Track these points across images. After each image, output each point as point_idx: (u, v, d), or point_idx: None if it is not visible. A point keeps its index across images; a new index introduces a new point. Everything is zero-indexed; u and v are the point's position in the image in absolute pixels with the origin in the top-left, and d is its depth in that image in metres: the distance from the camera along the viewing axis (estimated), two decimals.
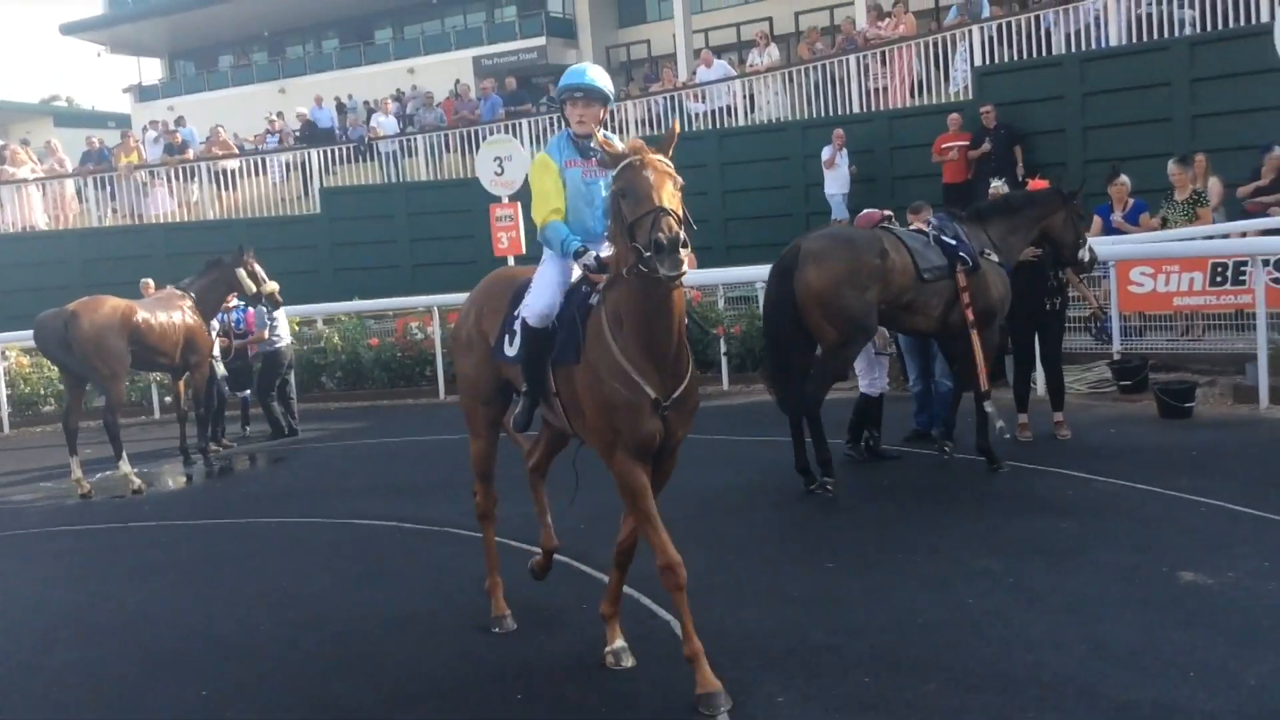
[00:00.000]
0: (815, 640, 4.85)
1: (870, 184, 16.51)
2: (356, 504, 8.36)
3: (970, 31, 16.76)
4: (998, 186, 10.86)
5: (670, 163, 4.17)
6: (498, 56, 32.43)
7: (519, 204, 14.40)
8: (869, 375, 8.46)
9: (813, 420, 7.53)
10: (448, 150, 20.97)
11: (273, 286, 11.23)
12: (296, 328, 14.21)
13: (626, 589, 5.48)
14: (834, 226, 9.40)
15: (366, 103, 25.53)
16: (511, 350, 4.86)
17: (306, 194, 21.20)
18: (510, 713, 4.41)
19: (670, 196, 4.03)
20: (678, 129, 4.40)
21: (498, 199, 14.86)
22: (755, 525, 6.97)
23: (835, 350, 7.44)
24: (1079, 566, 5.57)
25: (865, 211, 8.59)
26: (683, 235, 3.91)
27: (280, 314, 12.00)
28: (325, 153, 21.49)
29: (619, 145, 4.38)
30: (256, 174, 21.49)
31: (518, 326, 4.79)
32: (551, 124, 20.59)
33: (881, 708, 4.16)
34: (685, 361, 4.38)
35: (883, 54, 17.60)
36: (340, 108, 25.93)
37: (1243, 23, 13.97)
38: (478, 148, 18.87)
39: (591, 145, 4.67)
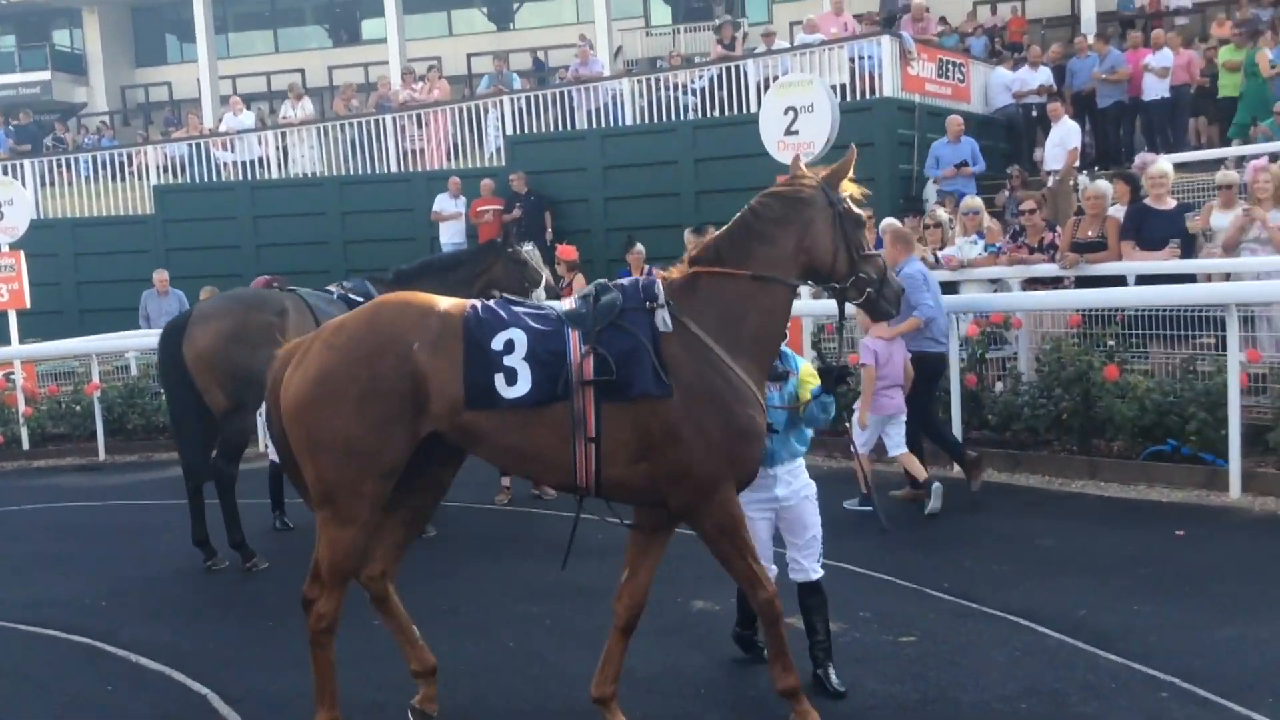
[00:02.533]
0: (360, 698, 4.86)
1: (411, 243, 16.72)
2: None
3: (501, 101, 17.59)
4: (528, 250, 11.48)
5: None
6: None
7: (21, 253, 13.05)
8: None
9: (224, 494, 7.22)
10: None
11: None
12: None
13: (158, 667, 5.23)
14: (240, 288, 9.06)
15: None
16: (518, 389, 4.03)
17: None
18: None
19: None
20: (854, 155, 4.44)
21: None
22: (294, 589, 6.80)
23: (230, 415, 7.19)
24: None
25: (261, 277, 8.79)
26: None
27: None
28: None
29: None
30: None
31: (517, 363, 4.04)
32: (57, 165, 18.94)
33: None
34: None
35: (419, 116, 17.97)
36: None
37: (736, 111, 15.82)
38: None
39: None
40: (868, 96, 14.98)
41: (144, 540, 8.18)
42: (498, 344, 4.06)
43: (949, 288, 10.25)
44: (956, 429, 8.98)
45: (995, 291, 10.09)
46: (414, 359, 4.04)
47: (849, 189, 4.38)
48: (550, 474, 4.34)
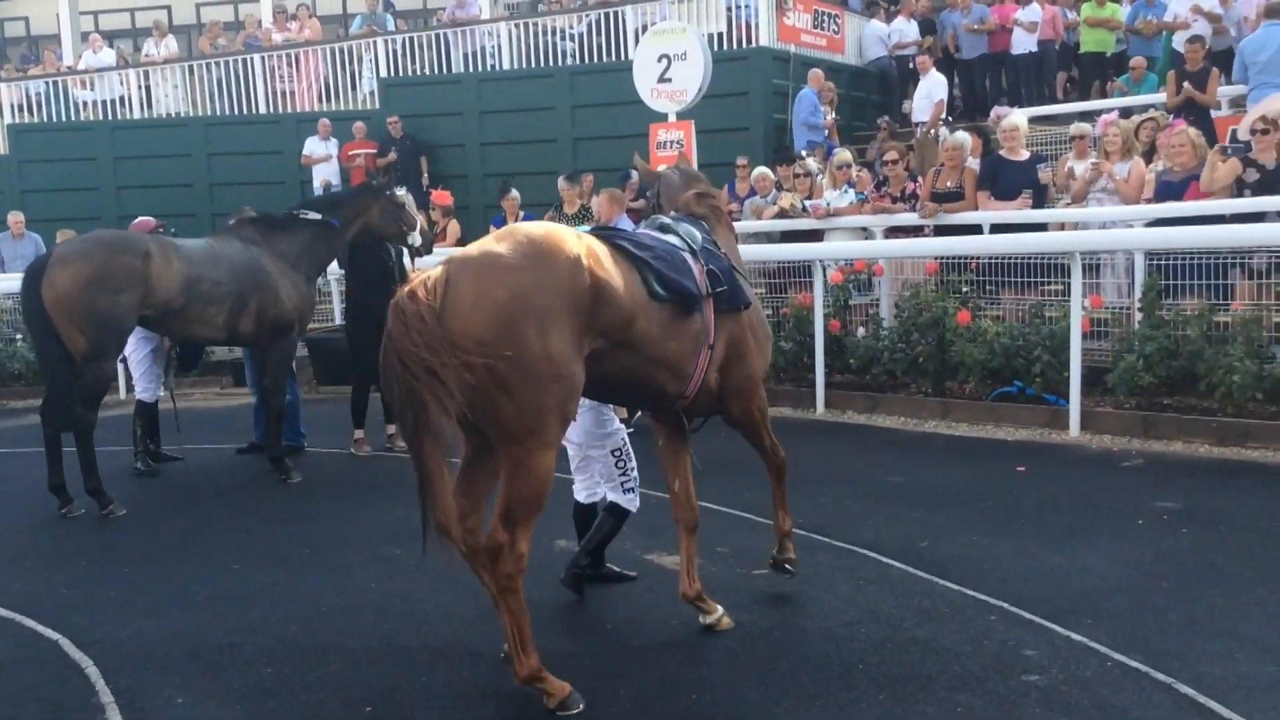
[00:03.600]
0: (217, 640, 4.85)
1: (280, 186, 16.31)
2: None
3: (376, 43, 17.21)
4: (403, 194, 11.35)
5: None
6: None
7: None
8: (145, 381, 8.44)
9: (81, 440, 7.06)
10: None
11: None
12: None
13: (8, 613, 5.16)
14: (102, 230, 8.81)
15: None
16: (683, 286, 4.37)
17: None
18: None
19: None
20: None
21: None
22: (154, 534, 6.73)
23: (89, 360, 7.02)
24: None
25: (140, 219, 8.63)
26: None
27: None
28: None
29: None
30: None
31: (659, 259, 4.33)
32: None
33: (283, 694, 4.30)
34: None
35: (292, 56, 17.49)
36: None
37: (613, 58, 15.78)
38: None
39: None
40: (744, 46, 15.09)
41: None
42: (644, 253, 4.33)
43: (817, 236, 10.52)
44: (819, 372, 9.25)
45: (863, 240, 10.37)
46: (592, 271, 4.00)
47: None
48: (674, 384, 4.50)
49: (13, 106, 18.06)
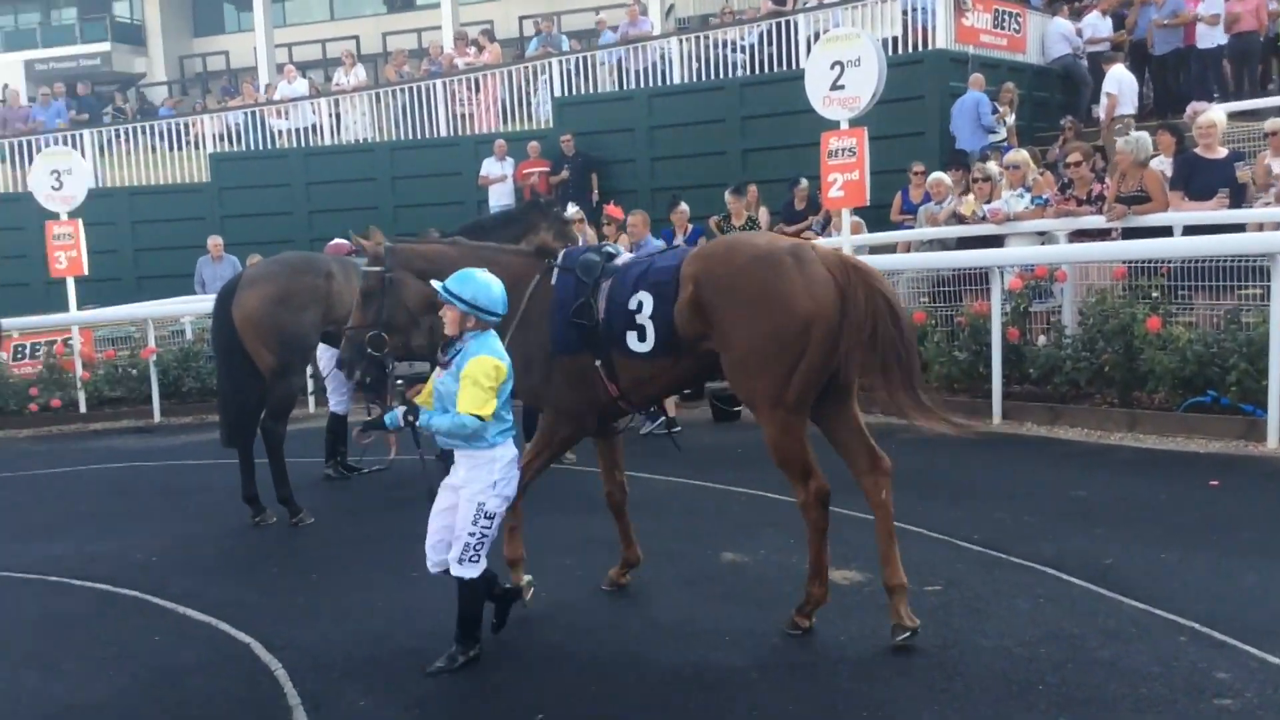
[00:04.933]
0: (396, 646, 5.02)
1: (459, 207, 16.85)
2: None
3: (551, 64, 17.61)
4: (575, 213, 11.57)
5: None
6: (55, 61, 29.86)
7: (79, 221, 13.40)
8: (338, 395, 8.80)
9: (273, 452, 7.41)
10: None
11: None
12: None
13: (204, 618, 5.45)
14: (290, 252, 9.42)
15: None
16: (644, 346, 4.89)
17: None
18: None
19: None
20: None
21: (55, 215, 13.73)
22: (339, 542, 7.02)
23: (277, 375, 7.40)
24: None
25: (335, 241, 8.93)
26: None
27: None
28: None
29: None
30: None
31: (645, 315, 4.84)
32: (115, 136, 19.34)
33: (457, 700, 4.42)
34: None
35: (472, 80, 18.06)
36: None
37: (784, 68, 15.70)
38: (30, 160, 17.41)
39: (444, 349, 4.67)
40: (920, 49, 14.78)
41: (195, 498, 8.45)
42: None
43: (995, 241, 10.19)
44: (997, 382, 8.94)
45: (1042, 244, 9.99)
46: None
47: None
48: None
49: (215, 136, 19.23)
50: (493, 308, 4.55)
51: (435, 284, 4.58)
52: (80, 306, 13.57)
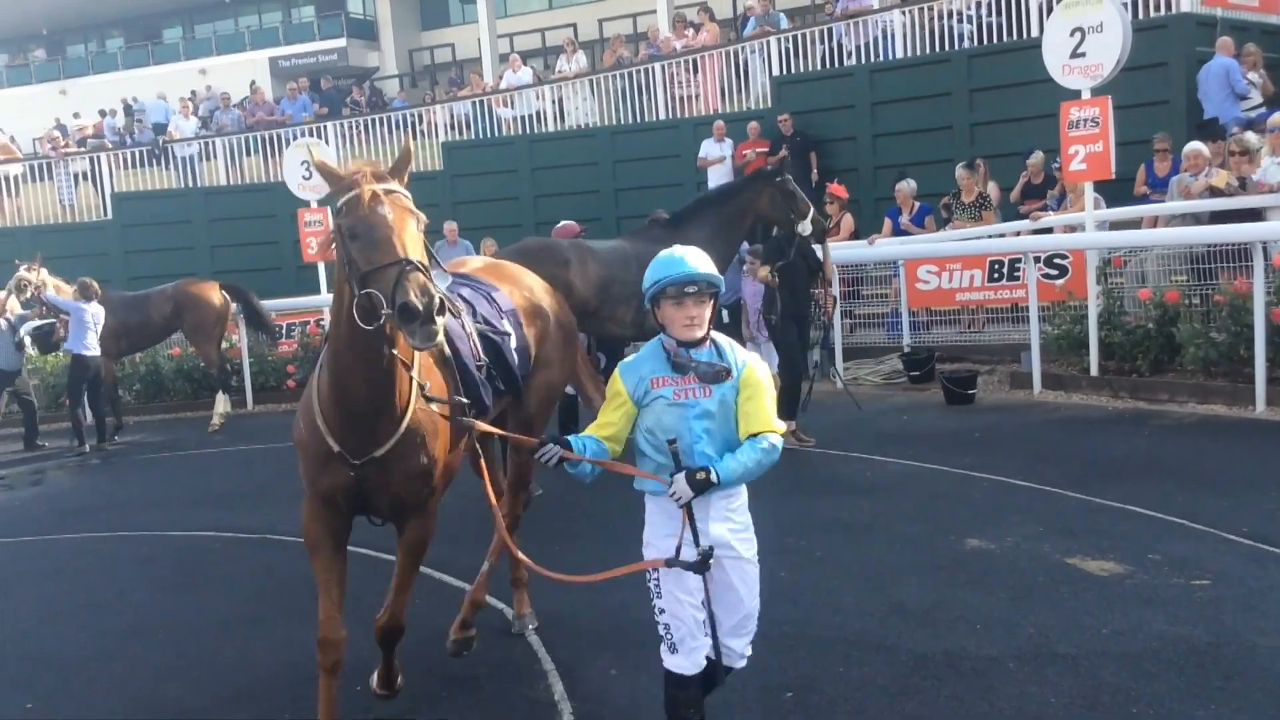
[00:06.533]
0: (640, 616, 5.09)
1: (679, 189, 16.96)
2: (168, 515, 8.16)
3: (768, 42, 17.48)
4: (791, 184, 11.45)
5: (408, 195, 3.60)
6: (295, 58, 31.70)
7: (328, 209, 14.21)
8: None
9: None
10: (248, 154, 20.44)
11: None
12: None
13: (459, 583, 5.67)
14: (528, 239, 9.65)
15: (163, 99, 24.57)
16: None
17: (98, 200, 20.37)
18: (352, 705, 4.50)
19: (414, 242, 3.46)
20: (411, 148, 3.75)
21: (306, 204, 14.62)
22: (571, 515, 7.21)
23: None
24: (877, 539, 6.04)
25: (564, 223, 9.01)
26: (438, 299, 3.33)
27: (91, 321, 11.55)
28: (116, 156, 20.63)
29: (337, 168, 3.68)
30: (41, 179, 20.47)
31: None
32: (354, 127, 20.37)
33: None
34: (391, 423, 3.83)
35: (691, 61, 18.13)
36: (128, 110, 24.92)
37: (1015, 37, 15.08)
38: (279, 151, 18.56)
39: (688, 357, 3.46)
40: (1163, 12, 13.91)
41: None
42: None
43: (1255, 215, 9.52)
44: (1260, 367, 8.36)
45: None
46: None
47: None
48: None
49: (445, 126, 20.00)
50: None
51: (700, 271, 3.42)
52: (329, 291, 14.38)
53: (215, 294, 12.72)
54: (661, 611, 3.58)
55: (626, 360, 3.64)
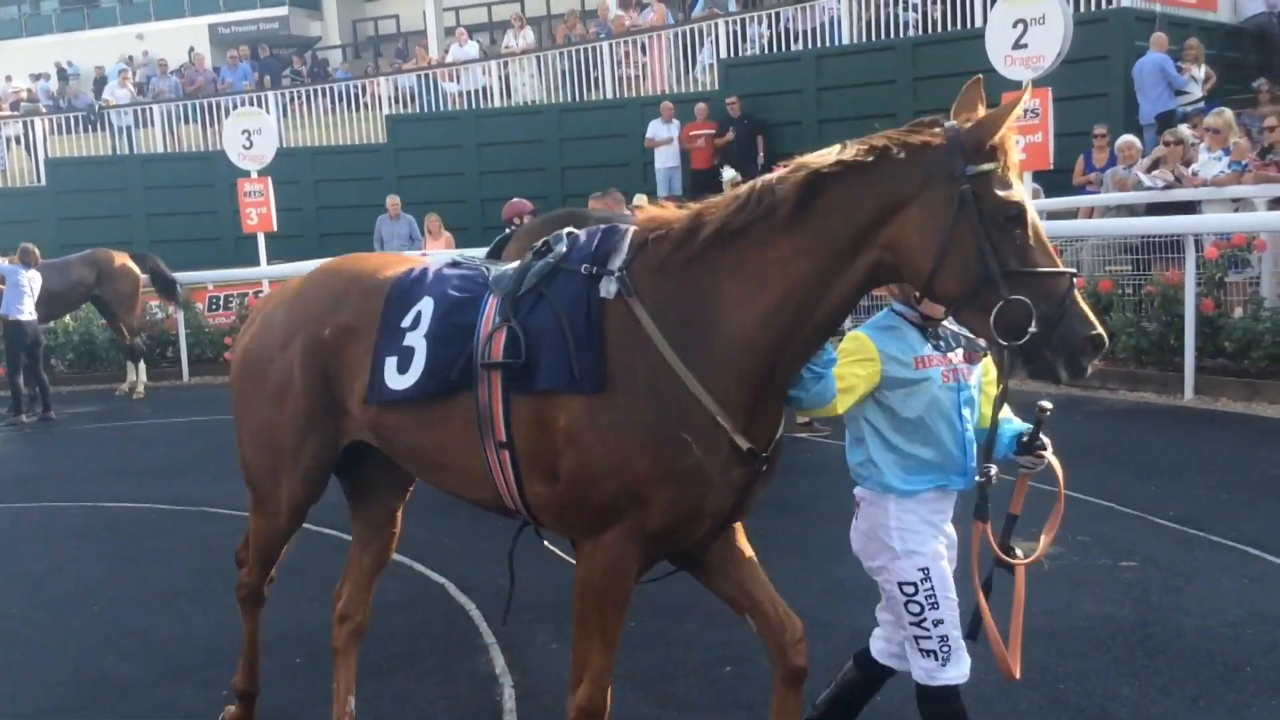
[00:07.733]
0: None
1: (625, 169, 16.95)
2: (103, 487, 8.05)
3: (716, 24, 17.51)
4: (732, 177, 11.54)
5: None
6: (235, 25, 31.02)
7: (269, 179, 14.03)
8: None
9: None
10: (186, 121, 20.07)
11: None
12: None
13: (403, 559, 5.66)
14: (562, 209, 9.77)
15: (99, 68, 24.02)
16: (405, 380, 3.15)
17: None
18: (291, 677, 4.50)
19: None
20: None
21: (246, 173, 14.39)
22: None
23: None
24: (817, 518, 6.13)
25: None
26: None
27: (27, 286, 11.33)
28: (50, 121, 20.16)
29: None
30: None
31: (417, 342, 3.15)
32: (295, 98, 20.06)
33: (642, 644, 4.53)
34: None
35: (640, 41, 18.10)
36: (61, 74, 24.35)
37: (958, 27, 15.24)
38: (218, 120, 18.24)
39: (953, 335, 3.06)
40: (1104, 6, 14.15)
41: None
42: (406, 320, 3.19)
43: (1188, 208, 9.76)
44: (1189, 356, 8.59)
45: (1238, 211, 9.51)
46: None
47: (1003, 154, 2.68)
48: (465, 489, 3.35)
49: (389, 99, 19.78)
50: None
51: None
52: (269, 263, 14.21)
53: (132, 263, 12.92)
54: (939, 624, 3.03)
55: (872, 324, 3.13)
